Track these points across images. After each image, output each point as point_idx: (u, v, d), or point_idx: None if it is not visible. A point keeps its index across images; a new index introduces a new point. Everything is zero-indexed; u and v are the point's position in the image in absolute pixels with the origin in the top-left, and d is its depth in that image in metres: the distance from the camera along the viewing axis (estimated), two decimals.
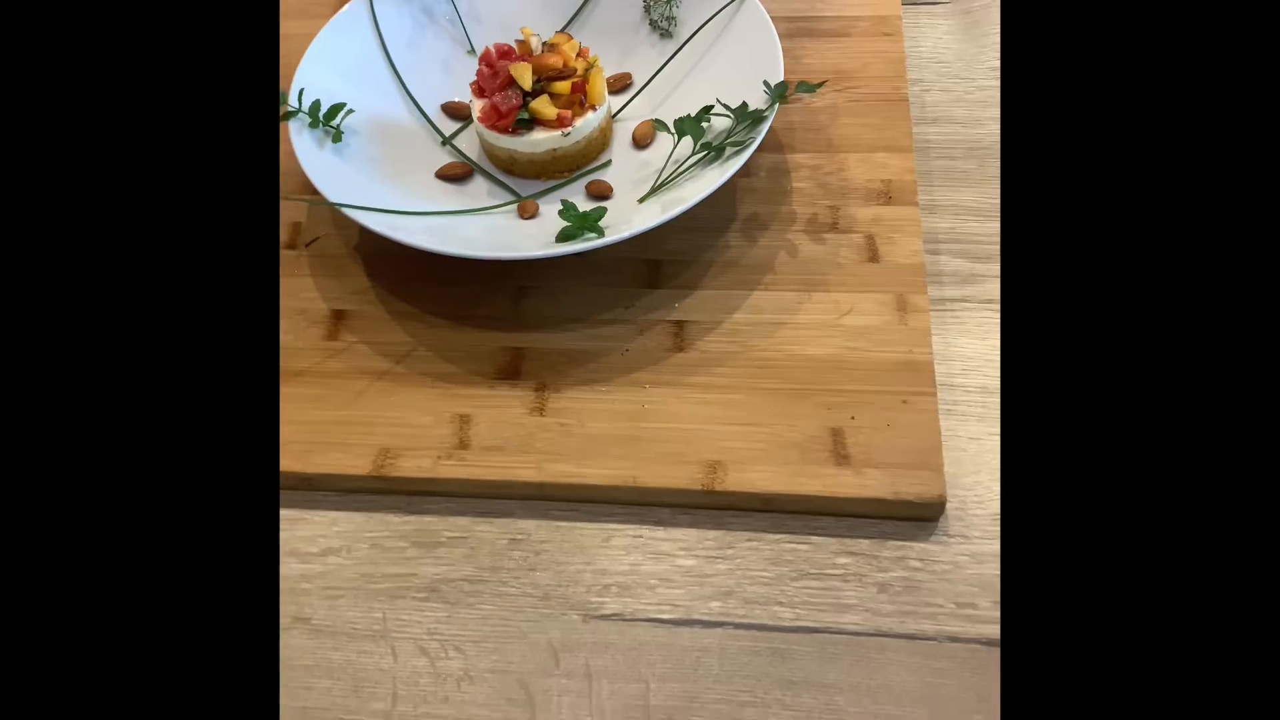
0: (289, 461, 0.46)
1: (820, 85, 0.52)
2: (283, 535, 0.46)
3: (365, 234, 0.54)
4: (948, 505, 0.44)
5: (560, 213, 0.48)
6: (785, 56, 0.53)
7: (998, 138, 0.57)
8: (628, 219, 0.49)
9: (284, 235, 0.54)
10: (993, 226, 0.54)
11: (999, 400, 0.47)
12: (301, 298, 0.52)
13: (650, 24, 0.58)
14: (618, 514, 0.45)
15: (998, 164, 0.56)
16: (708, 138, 0.50)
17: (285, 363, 0.49)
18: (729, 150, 0.49)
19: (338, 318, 0.51)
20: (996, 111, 0.59)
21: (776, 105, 0.50)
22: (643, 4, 0.58)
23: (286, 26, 0.63)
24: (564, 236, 0.47)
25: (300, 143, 0.51)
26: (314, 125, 0.52)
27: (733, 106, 0.50)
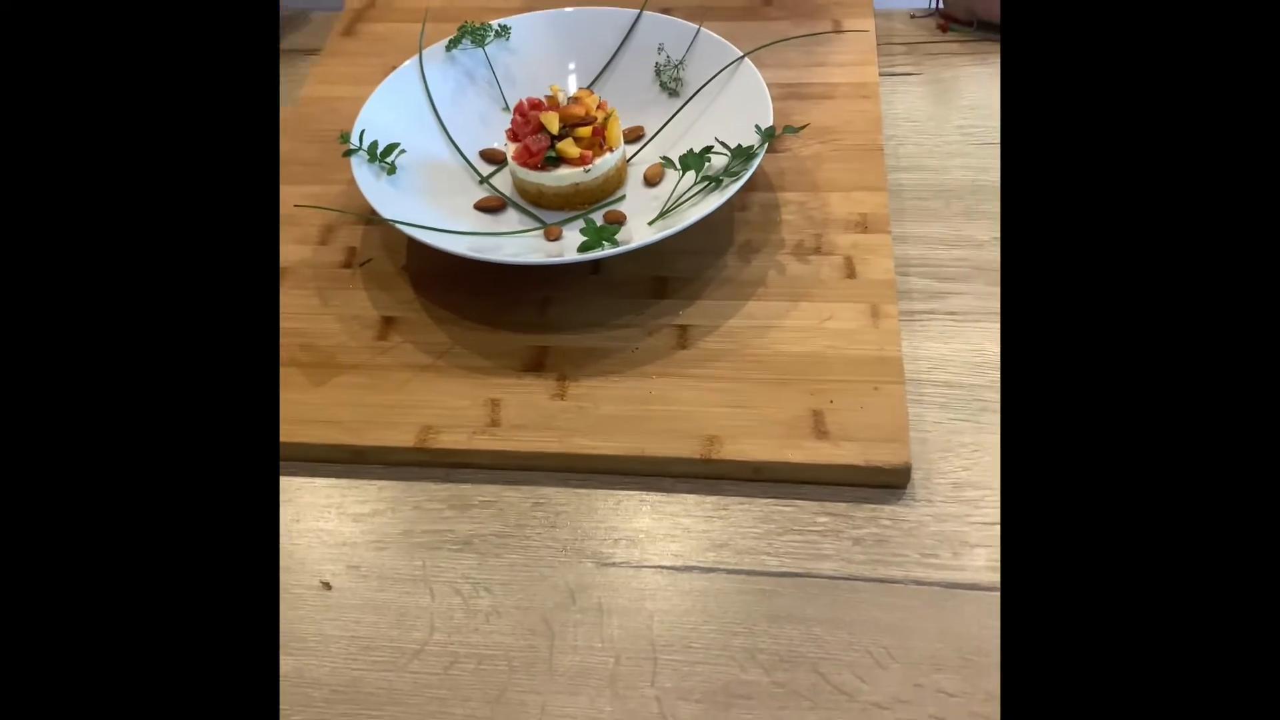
0: (344, 437, 0.53)
1: (804, 127, 0.61)
2: (336, 499, 0.53)
3: (411, 254, 0.62)
4: (914, 475, 0.51)
5: (581, 230, 0.56)
6: (776, 115, 0.62)
7: (962, 182, 0.66)
8: (639, 238, 0.57)
9: (340, 257, 0.63)
10: (957, 253, 0.62)
11: (962, 392, 0.54)
12: (356, 306, 0.60)
13: (660, 84, 0.68)
14: (627, 482, 0.52)
15: (962, 203, 0.65)
16: (707, 172, 0.59)
17: (341, 358, 0.57)
18: (726, 181, 0.58)
19: (387, 323, 0.59)
20: (962, 160, 0.67)
21: (766, 144, 0.59)
22: (654, 67, 0.68)
23: (341, 90, 0.73)
24: (583, 248, 0.55)
25: (360, 174, 0.60)
26: (372, 160, 0.61)
27: (730, 146, 0.59)
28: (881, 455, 0.50)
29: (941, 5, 0.79)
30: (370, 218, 0.63)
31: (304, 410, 0.55)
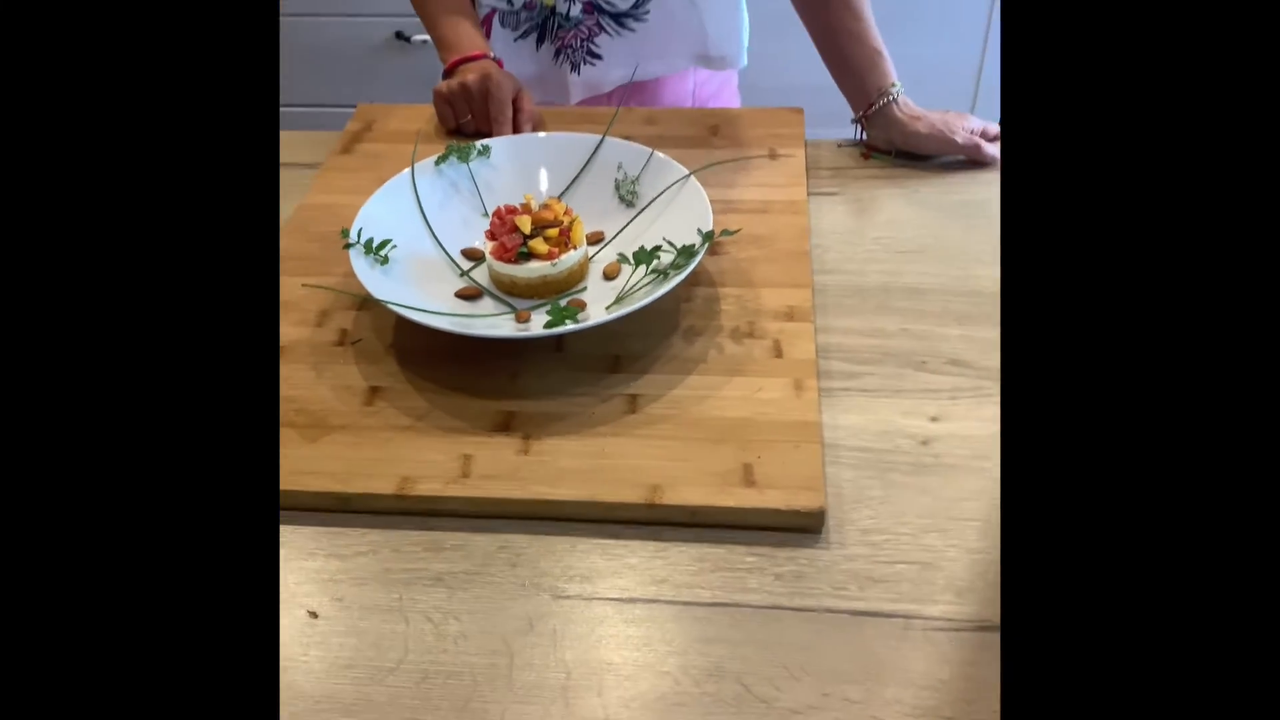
0: (332, 485, 0.61)
1: (737, 231, 0.72)
2: (324, 542, 0.60)
3: (397, 333, 0.71)
4: (829, 523, 0.59)
5: (547, 311, 0.66)
6: (717, 225, 0.72)
7: (877, 283, 0.76)
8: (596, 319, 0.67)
9: (334, 336, 0.72)
10: (870, 341, 0.71)
11: (871, 455, 0.63)
12: (346, 378, 0.68)
13: (619, 197, 0.79)
14: (581, 528, 0.60)
15: (876, 300, 0.75)
16: (656, 266, 0.69)
17: (331, 420, 0.65)
18: (672, 274, 0.68)
19: (373, 391, 0.67)
20: (877, 266, 0.78)
21: (706, 244, 0.69)
22: (614, 182, 0.79)
23: (339, 199, 0.83)
24: (549, 325, 0.65)
25: (357, 263, 0.69)
26: (367, 253, 0.70)
27: (676, 245, 0.69)
28: (800, 501, 0.58)
29: (865, 138, 0.92)
30: (363, 300, 0.72)
31: (297, 464, 0.62)
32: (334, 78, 1.78)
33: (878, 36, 0.90)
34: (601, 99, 1.02)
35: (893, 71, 0.89)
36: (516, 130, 0.87)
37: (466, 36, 0.94)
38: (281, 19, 1.72)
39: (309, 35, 1.75)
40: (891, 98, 0.88)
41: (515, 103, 0.89)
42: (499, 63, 0.93)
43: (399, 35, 1.73)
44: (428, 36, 1.69)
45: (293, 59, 1.77)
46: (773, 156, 0.87)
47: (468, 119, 0.89)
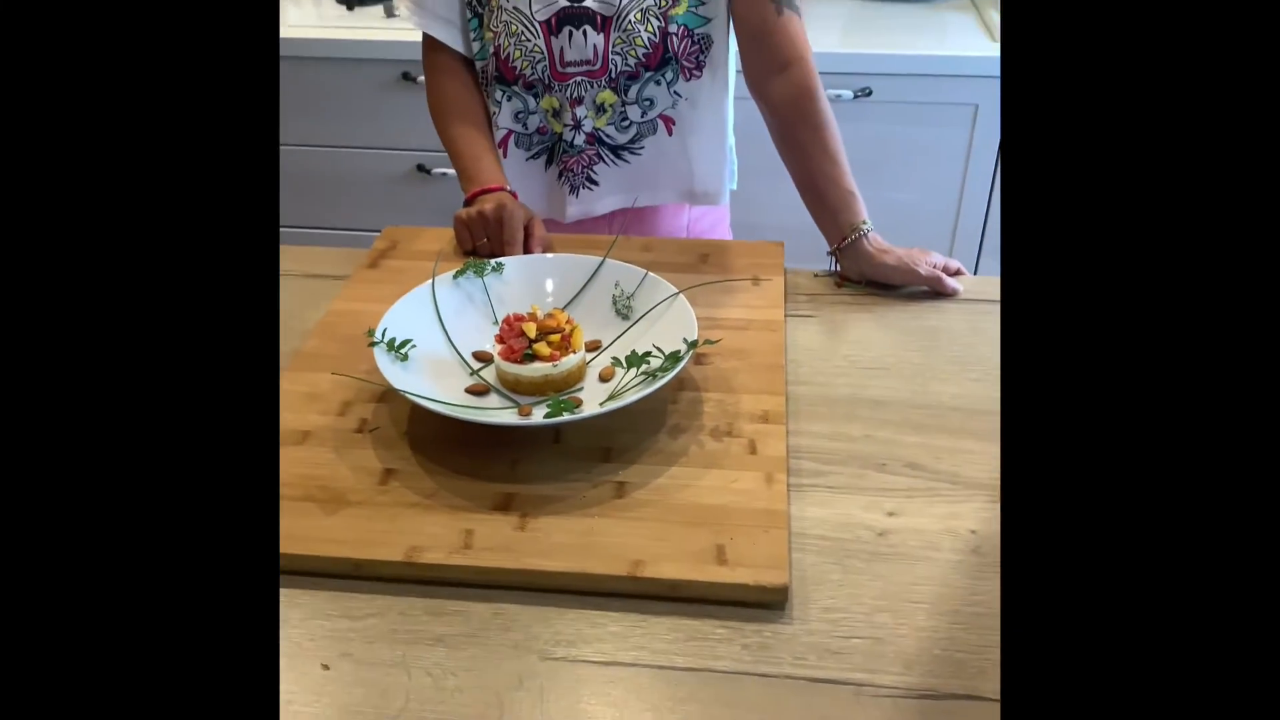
0: (346, 552, 0.68)
1: (719, 341, 0.81)
2: (337, 604, 0.66)
3: (412, 422, 0.79)
4: (793, 600, 0.66)
5: (547, 404, 0.74)
6: (701, 339, 0.81)
7: (845, 394, 0.85)
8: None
9: (354, 424, 0.80)
10: (836, 444, 0.79)
11: (833, 544, 0.70)
12: (364, 460, 0.76)
13: (615, 310, 0.88)
14: (569, 599, 0.66)
15: (844, 409, 0.83)
16: (646, 369, 0.78)
17: (349, 497, 0.72)
18: (660, 376, 0.76)
19: (388, 473, 0.75)
20: (846, 379, 0.87)
21: (691, 351, 0.78)
22: (611, 298, 0.89)
23: (364, 306, 0.93)
24: (548, 415, 0.73)
25: (380, 359, 0.78)
26: (389, 350, 0.79)
27: (664, 351, 0.78)
28: (767, 579, 0.65)
29: (839, 269, 1.02)
30: (382, 393, 0.80)
31: (315, 532, 0.69)
32: (362, 204, 1.92)
33: (851, 180, 1.01)
34: (600, 222, 1.14)
35: (864, 211, 1.00)
36: (527, 252, 0.98)
37: (487, 170, 1.06)
38: (315, 150, 1.88)
39: (340, 165, 1.89)
40: (862, 234, 0.98)
41: (527, 229, 0.99)
42: (514, 195, 1.05)
43: (420, 168, 1.88)
44: (447, 170, 1.84)
45: (325, 187, 1.91)
46: (755, 282, 0.97)
47: (483, 242, 1.00)
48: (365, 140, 1.87)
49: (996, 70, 1.65)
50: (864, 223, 0.99)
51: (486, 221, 0.99)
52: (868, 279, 0.99)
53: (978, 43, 1.70)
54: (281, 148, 1.88)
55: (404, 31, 1.78)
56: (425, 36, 1.11)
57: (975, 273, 1.85)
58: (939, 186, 1.77)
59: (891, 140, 1.73)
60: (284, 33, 1.80)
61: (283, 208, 1.94)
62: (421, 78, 1.74)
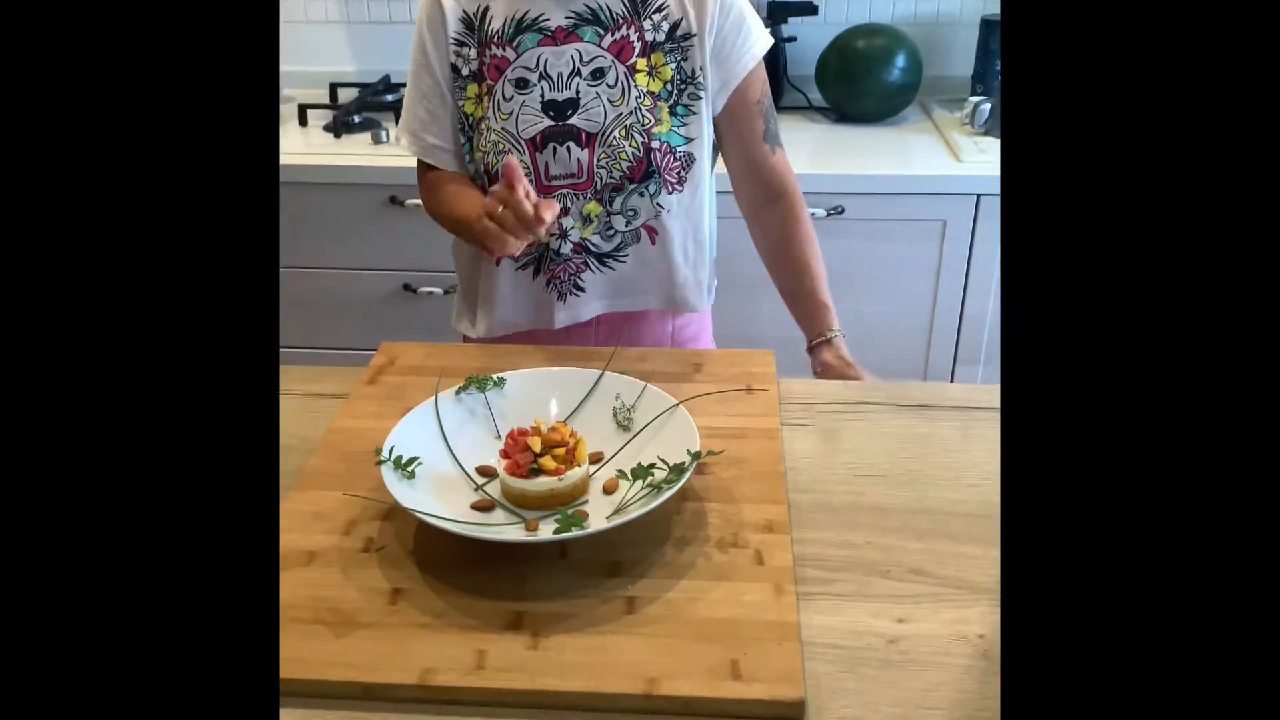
0: (357, 676, 0.67)
1: (721, 452, 0.82)
2: None
3: (418, 541, 0.79)
4: (809, 712, 0.65)
5: (555, 519, 0.74)
6: (702, 449, 0.83)
7: (845, 502, 0.86)
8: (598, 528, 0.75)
9: (361, 544, 0.79)
10: (840, 552, 0.80)
11: (843, 652, 0.70)
12: (372, 581, 0.75)
13: (616, 422, 0.90)
14: (584, 718, 0.65)
15: (845, 516, 0.84)
16: (650, 481, 0.79)
17: (359, 619, 0.72)
18: (665, 488, 0.77)
19: (396, 593, 0.74)
20: (845, 487, 0.88)
21: (695, 462, 0.79)
22: (612, 410, 0.90)
23: (365, 423, 0.94)
24: (558, 531, 0.73)
25: (388, 477, 0.78)
26: (396, 468, 0.80)
27: (668, 463, 0.79)
28: (783, 692, 0.65)
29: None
30: (388, 511, 0.80)
31: (326, 655, 0.68)
32: (350, 324, 1.94)
33: (827, 293, 1.15)
34: (586, 328, 1.16)
35: (835, 321, 1.14)
36: (539, 217, 0.92)
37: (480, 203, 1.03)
38: (303, 271, 1.91)
39: (328, 286, 1.92)
40: (829, 339, 1.12)
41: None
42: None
43: (406, 287, 1.91)
44: (434, 289, 1.87)
45: (314, 308, 1.94)
46: (749, 391, 0.99)
47: (504, 211, 0.94)
48: (352, 261, 1.90)
49: (963, 189, 1.73)
50: (832, 331, 1.13)
51: (492, 205, 0.95)
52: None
53: (943, 162, 1.79)
54: None
55: (392, 157, 1.84)
56: (420, 163, 1.16)
57: (952, 380, 1.89)
58: (912, 298, 1.83)
59: (865, 255, 1.79)
60: None
61: None
62: (410, 200, 1.78)
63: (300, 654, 0.68)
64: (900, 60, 1.92)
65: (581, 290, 1.14)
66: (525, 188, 0.93)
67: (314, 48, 2.22)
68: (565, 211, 1.09)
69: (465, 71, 1.09)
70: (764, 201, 1.17)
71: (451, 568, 0.76)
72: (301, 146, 1.94)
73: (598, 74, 1.07)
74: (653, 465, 0.80)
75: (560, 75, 1.06)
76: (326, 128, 1.99)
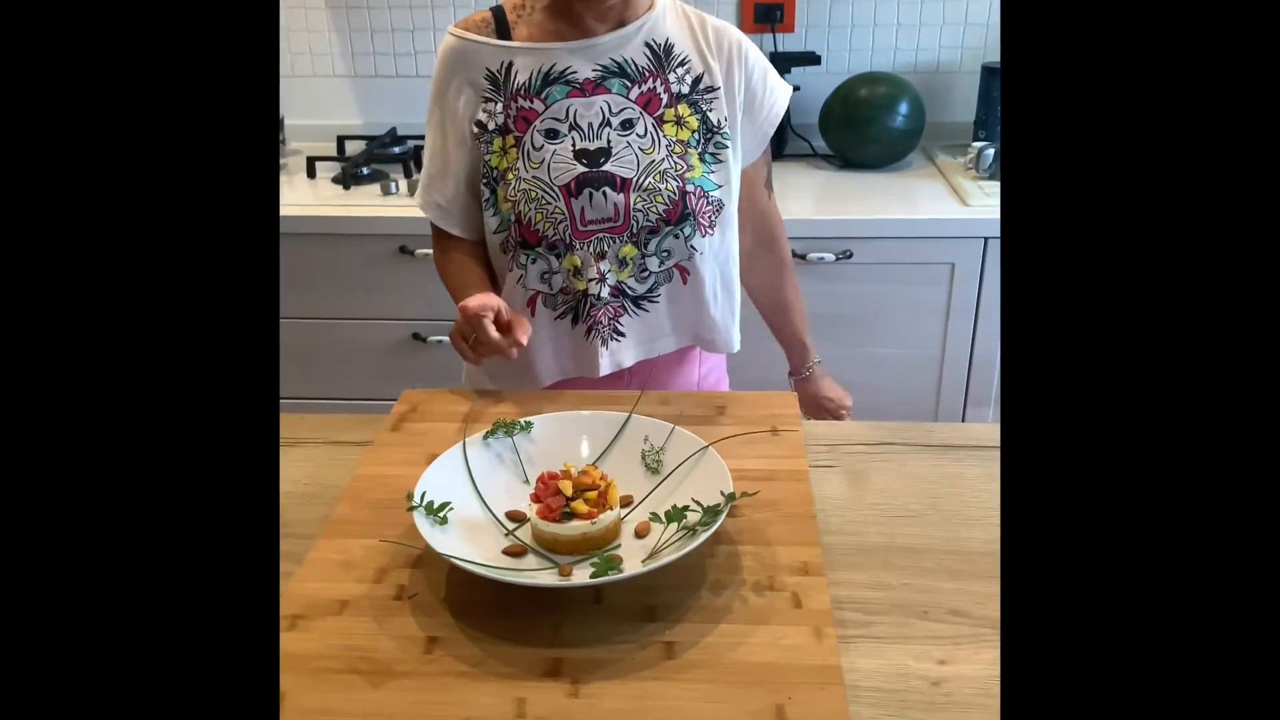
0: None
1: (756, 493, 0.82)
2: None
3: (450, 587, 0.78)
4: None
5: (591, 563, 0.74)
6: (736, 492, 0.82)
7: (877, 544, 0.86)
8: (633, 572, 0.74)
9: (392, 591, 0.78)
10: (877, 594, 0.79)
11: (886, 695, 0.69)
12: (406, 629, 0.74)
13: (645, 465, 0.89)
14: None
15: (879, 557, 0.84)
16: (684, 525, 0.78)
17: (395, 668, 0.70)
18: (700, 530, 0.77)
19: (432, 641, 0.73)
20: (877, 528, 0.88)
21: (731, 503, 0.79)
22: (640, 453, 0.90)
23: (390, 470, 0.93)
24: (594, 575, 0.72)
25: (421, 523, 0.78)
26: (428, 514, 0.79)
27: (703, 505, 0.79)
28: None
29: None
30: (419, 558, 0.80)
31: (362, 706, 0.67)
32: (361, 374, 1.94)
33: (808, 332, 1.32)
34: (624, 374, 1.16)
35: (812, 356, 1.32)
36: (509, 338, 0.99)
37: (473, 287, 1.09)
38: (312, 322, 1.91)
39: (339, 336, 1.92)
40: (805, 374, 1.32)
41: (499, 321, 1.00)
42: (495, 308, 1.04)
43: (416, 336, 1.91)
44: (442, 337, 1.88)
45: (324, 358, 1.93)
46: (775, 433, 0.99)
47: (473, 339, 1.01)
48: (362, 311, 1.91)
49: (970, 232, 1.75)
50: (807, 365, 1.32)
51: (464, 326, 1.01)
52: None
53: (949, 206, 1.81)
54: (281, 321, 1.91)
55: (400, 207, 1.85)
56: (433, 225, 1.18)
57: (963, 420, 1.89)
58: (922, 341, 1.84)
59: (874, 299, 1.80)
60: (282, 211, 1.87)
61: (283, 380, 1.95)
62: (419, 250, 1.81)
63: (336, 705, 0.67)
64: (903, 107, 1.95)
65: (621, 335, 1.14)
66: (494, 312, 1.00)
67: (322, 102, 2.25)
68: (601, 255, 1.10)
69: (491, 126, 1.10)
70: (759, 245, 1.23)
71: (486, 615, 0.75)
72: (310, 198, 1.95)
73: (627, 124, 1.08)
74: (686, 507, 0.79)
75: (590, 125, 1.08)
76: (335, 179, 2.00)
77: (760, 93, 1.14)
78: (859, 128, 1.97)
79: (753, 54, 1.13)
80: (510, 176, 1.09)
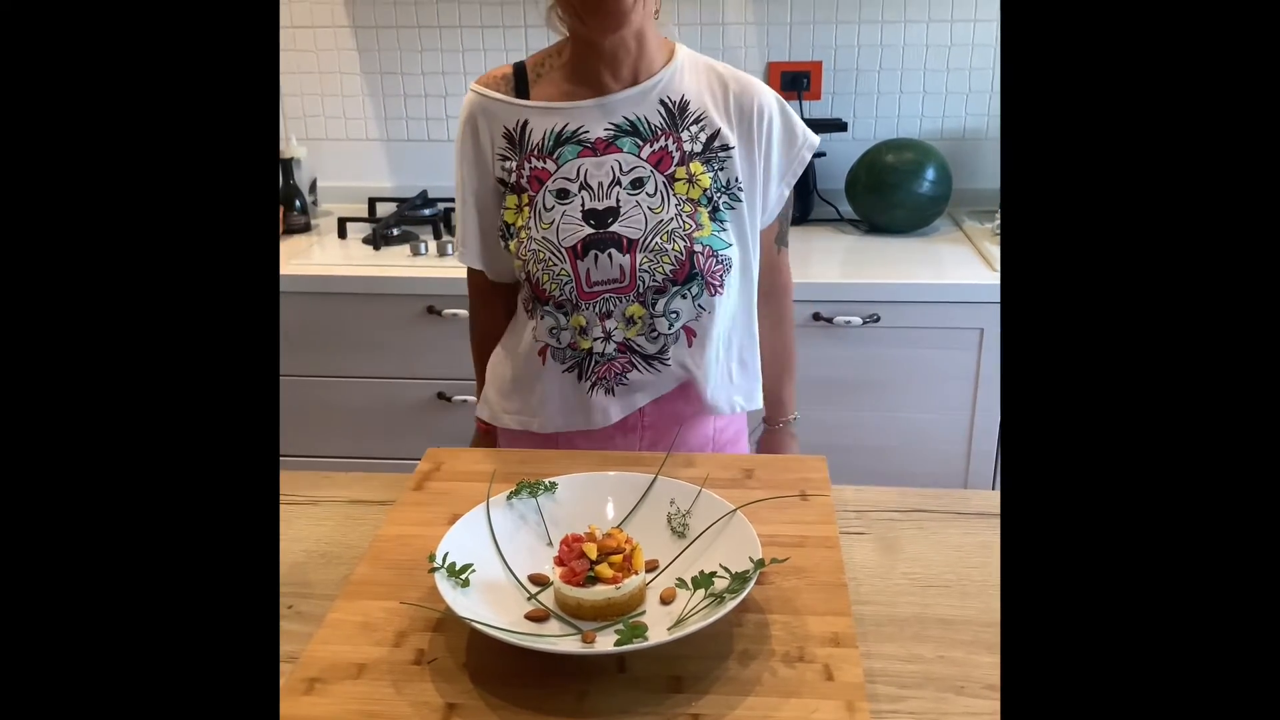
0: None
1: (786, 559, 0.79)
2: None
3: (471, 652, 0.76)
4: None
5: (616, 630, 0.71)
6: (766, 558, 0.80)
7: (909, 614, 0.83)
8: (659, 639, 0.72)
9: (411, 656, 0.76)
10: (911, 667, 0.77)
11: None
12: (424, 695, 0.72)
13: (671, 529, 0.87)
14: None
15: (912, 629, 0.81)
16: (711, 591, 0.76)
17: None
18: (728, 598, 0.75)
19: (451, 708, 0.71)
20: (909, 598, 0.85)
21: (760, 569, 0.76)
22: (666, 516, 0.88)
23: (412, 530, 0.92)
24: (619, 643, 0.70)
25: (442, 586, 0.76)
26: (450, 575, 0.78)
27: (730, 571, 0.77)
28: None
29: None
30: (438, 622, 0.78)
31: None
32: (387, 432, 1.94)
33: (785, 389, 1.30)
34: (632, 431, 1.15)
35: (789, 412, 1.31)
36: None
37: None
38: (339, 381, 1.92)
39: (367, 395, 1.93)
40: (775, 428, 1.31)
41: None
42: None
43: (441, 395, 1.91)
44: (468, 396, 1.88)
45: (350, 417, 1.94)
46: (804, 497, 0.97)
47: None
48: (388, 371, 1.91)
49: (998, 296, 1.73)
50: (784, 420, 1.31)
51: None
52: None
53: (977, 271, 1.80)
54: (303, 380, 1.92)
55: (429, 268, 1.87)
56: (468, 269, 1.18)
57: (993, 487, 1.85)
58: (951, 406, 1.81)
59: (902, 363, 1.78)
60: (313, 270, 1.89)
61: (305, 439, 1.96)
62: (447, 310, 1.83)
63: None
64: (930, 173, 1.96)
65: (627, 386, 1.13)
66: None
67: (354, 165, 2.29)
68: (607, 315, 1.10)
69: (509, 182, 1.12)
70: (763, 296, 1.22)
71: (506, 682, 0.73)
72: (340, 258, 1.97)
73: (637, 183, 1.09)
74: (714, 573, 0.77)
75: (600, 185, 1.09)
76: (366, 240, 2.03)
77: (786, 144, 1.15)
78: (885, 193, 1.98)
79: (777, 114, 1.13)
80: (523, 235, 1.10)
